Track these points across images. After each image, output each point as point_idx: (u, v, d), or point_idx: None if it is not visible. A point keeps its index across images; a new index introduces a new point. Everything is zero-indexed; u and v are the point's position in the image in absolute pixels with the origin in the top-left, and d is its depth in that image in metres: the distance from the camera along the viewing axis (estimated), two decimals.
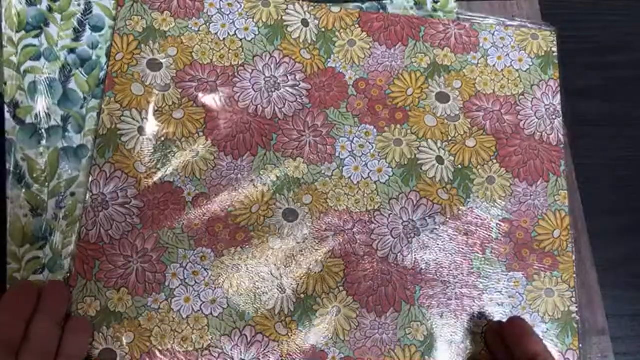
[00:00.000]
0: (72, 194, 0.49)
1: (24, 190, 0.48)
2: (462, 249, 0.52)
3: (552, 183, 0.54)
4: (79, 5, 0.52)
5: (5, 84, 0.49)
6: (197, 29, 0.53)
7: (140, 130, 0.50)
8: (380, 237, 0.51)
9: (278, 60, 0.54)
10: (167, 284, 0.48)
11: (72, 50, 0.51)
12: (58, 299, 0.44)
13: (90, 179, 0.49)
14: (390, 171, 0.53)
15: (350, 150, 0.53)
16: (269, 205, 0.50)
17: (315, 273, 0.50)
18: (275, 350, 0.48)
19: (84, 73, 0.51)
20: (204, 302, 0.48)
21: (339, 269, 0.50)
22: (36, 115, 0.49)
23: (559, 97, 0.56)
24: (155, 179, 0.49)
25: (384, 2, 0.57)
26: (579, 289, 0.53)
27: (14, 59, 0.50)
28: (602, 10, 0.63)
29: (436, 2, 0.57)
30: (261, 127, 0.52)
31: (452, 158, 0.53)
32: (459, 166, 0.53)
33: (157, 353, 0.47)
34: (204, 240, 0.49)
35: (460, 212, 0.52)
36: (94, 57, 0.51)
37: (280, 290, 0.49)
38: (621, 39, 0.63)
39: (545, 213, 0.53)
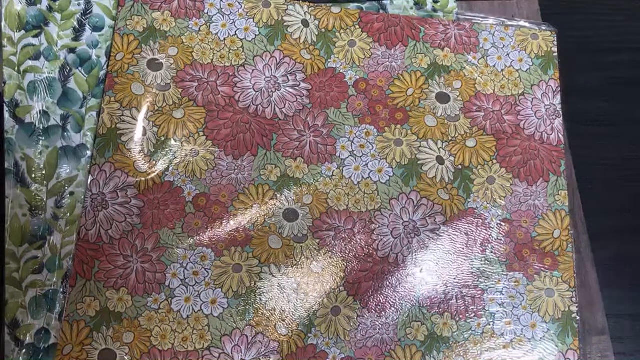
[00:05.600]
0: (72, 194, 0.48)
1: (23, 190, 0.48)
2: (463, 249, 0.52)
3: (552, 183, 0.54)
4: (78, 4, 0.52)
5: (5, 83, 0.49)
6: (197, 29, 0.53)
7: (140, 130, 0.50)
8: (380, 237, 0.51)
9: (278, 61, 0.54)
10: (167, 284, 0.48)
11: (71, 50, 0.51)
12: None
13: (90, 178, 0.49)
14: (390, 171, 0.52)
15: (350, 150, 0.53)
16: (269, 205, 0.50)
17: (315, 273, 0.50)
18: (275, 351, 0.48)
19: (83, 72, 0.51)
20: (204, 302, 0.48)
21: (339, 269, 0.50)
22: (36, 114, 0.49)
23: (559, 97, 0.56)
24: (156, 178, 0.49)
25: (384, 2, 0.57)
26: (579, 289, 0.53)
27: (14, 58, 0.49)
28: (602, 10, 0.64)
29: (436, 2, 0.57)
30: (261, 127, 0.52)
31: (452, 158, 0.53)
32: (459, 166, 0.53)
33: (157, 353, 0.46)
34: (204, 240, 0.49)
35: (460, 212, 0.52)
36: (93, 57, 0.51)
37: (280, 290, 0.49)
38: (621, 39, 0.63)
39: (545, 213, 0.53)
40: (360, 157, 0.53)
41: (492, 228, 0.52)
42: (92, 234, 0.48)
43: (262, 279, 0.49)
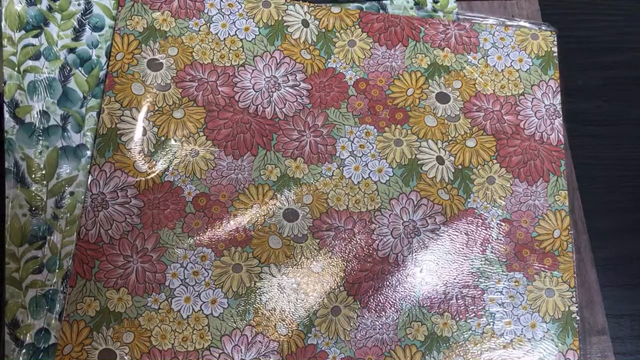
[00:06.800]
0: (72, 193, 0.48)
1: (23, 190, 0.48)
2: (463, 249, 0.52)
3: (552, 183, 0.54)
4: (78, 4, 0.52)
5: (5, 83, 0.49)
6: (197, 29, 0.53)
7: (140, 129, 0.50)
8: (380, 237, 0.51)
9: (278, 61, 0.54)
10: (167, 283, 0.48)
11: (71, 50, 0.51)
12: None
13: (90, 178, 0.49)
14: (390, 171, 0.52)
15: (350, 150, 0.53)
16: (269, 205, 0.50)
17: (315, 273, 0.50)
18: (275, 351, 0.48)
19: (83, 72, 0.51)
20: (204, 302, 0.48)
21: (339, 269, 0.50)
22: (36, 114, 0.49)
23: (559, 97, 0.56)
24: (155, 178, 0.49)
25: (384, 2, 0.57)
26: (579, 288, 0.53)
27: (14, 58, 0.49)
28: (601, 10, 0.64)
29: (436, 2, 0.57)
30: (261, 127, 0.52)
31: (452, 158, 0.53)
32: (459, 166, 0.53)
33: (157, 353, 0.46)
34: (204, 240, 0.49)
35: (460, 212, 0.52)
36: (93, 57, 0.51)
37: (280, 290, 0.49)
38: (621, 39, 0.63)
39: (545, 213, 0.53)
40: (360, 157, 0.53)
41: (492, 228, 0.52)
42: (92, 234, 0.48)
43: (262, 279, 0.49)
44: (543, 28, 0.58)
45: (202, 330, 0.47)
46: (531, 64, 0.57)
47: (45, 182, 0.48)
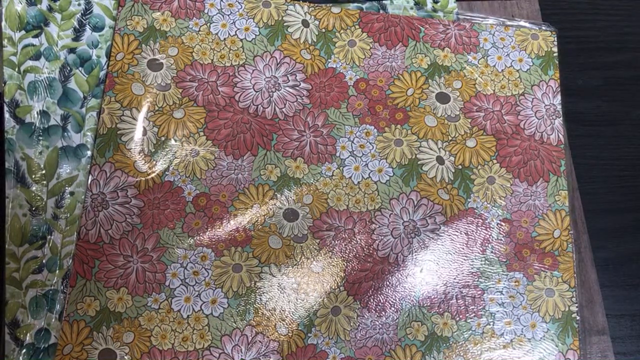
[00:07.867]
0: (72, 193, 0.48)
1: (23, 190, 0.48)
2: (463, 249, 0.52)
3: (552, 183, 0.54)
4: (78, 4, 0.52)
5: (5, 83, 0.49)
6: (197, 29, 0.53)
7: (141, 129, 0.50)
8: (380, 237, 0.51)
9: (278, 61, 0.54)
10: (167, 283, 0.48)
11: (72, 50, 0.51)
12: None
13: (90, 178, 0.49)
14: (390, 171, 0.52)
15: (350, 150, 0.53)
16: (269, 205, 0.50)
17: (315, 273, 0.50)
18: (275, 350, 0.48)
19: (83, 72, 0.51)
20: (204, 302, 0.48)
21: (339, 269, 0.50)
22: (36, 114, 0.49)
23: (559, 97, 0.56)
24: (156, 178, 0.49)
25: (384, 2, 0.57)
26: (579, 288, 0.53)
27: (14, 58, 0.49)
28: (602, 10, 0.64)
29: (436, 2, 0.57)
30: (262, 127, 0.52)
31: (452, 158, 0.53)
32: (459, 166, 0.53)
33: (157, 353, 0.46)
34: (204, 240, 0.49)
35: (460, 212, 0.52)
36: (93, 57, 0.51)
37: (280, 289, 0.49)
38: (621, 39, 0.63)
39: (545, 213, 0.53)
40: (360, 157, 0.53)
41: (492, 228, 0.52)
42: (92, 233, 0.48)
43: (262, 279, 0.49)
44: (543, 28, 0.58)
45: (202, 330, 0.47)
46: (531, 64, 0.57)
47: (45, 182, 0.48)
